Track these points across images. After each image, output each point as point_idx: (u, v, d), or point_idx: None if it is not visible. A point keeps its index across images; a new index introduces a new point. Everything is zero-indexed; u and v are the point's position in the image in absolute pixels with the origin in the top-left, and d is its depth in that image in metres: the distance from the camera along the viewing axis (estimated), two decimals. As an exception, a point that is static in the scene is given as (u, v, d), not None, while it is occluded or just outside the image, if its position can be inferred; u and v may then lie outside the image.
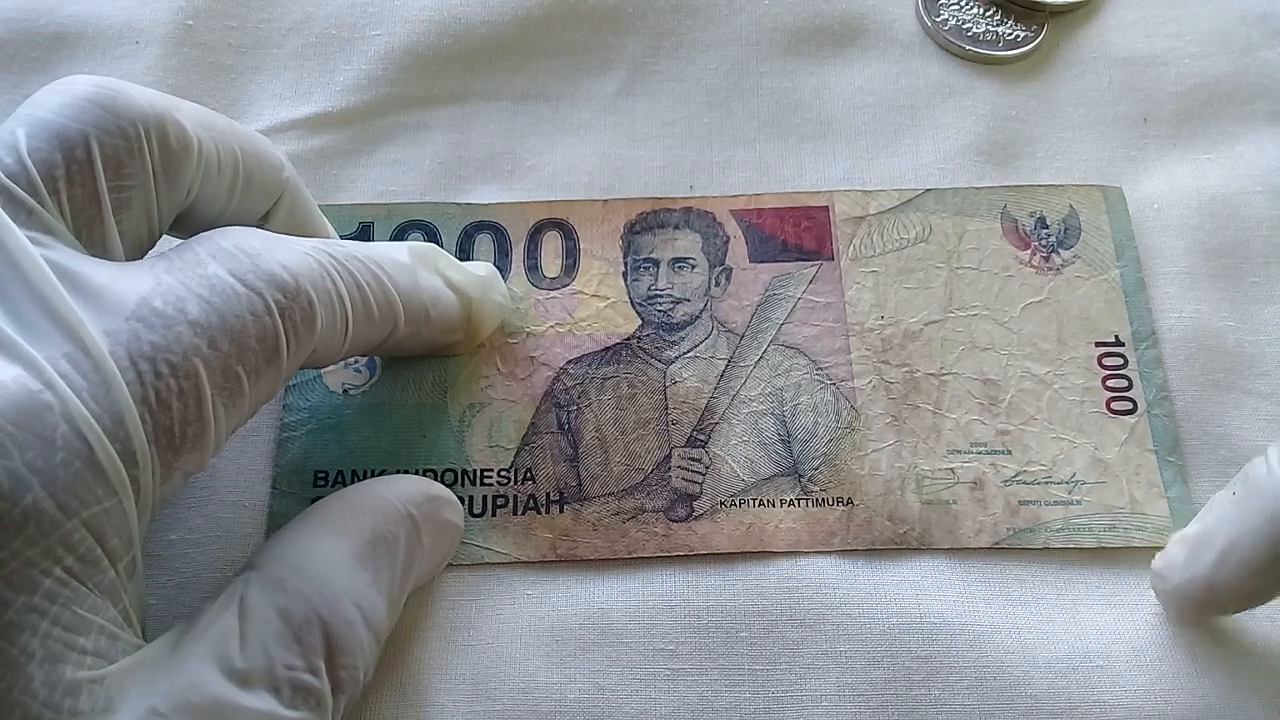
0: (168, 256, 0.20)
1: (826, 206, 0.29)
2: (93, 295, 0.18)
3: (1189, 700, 0.23)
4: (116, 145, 0.20)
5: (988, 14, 0.33)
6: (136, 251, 0.21)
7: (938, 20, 0.32)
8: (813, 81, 0.32)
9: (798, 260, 0.28)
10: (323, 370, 0.26)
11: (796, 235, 0.29)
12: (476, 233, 0.28)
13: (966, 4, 0.33)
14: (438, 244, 0.28)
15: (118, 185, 0.20)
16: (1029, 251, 0.28)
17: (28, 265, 0.18)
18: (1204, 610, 0.24)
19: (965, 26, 0.32)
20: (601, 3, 0.32)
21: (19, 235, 0.18)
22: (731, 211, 0.29)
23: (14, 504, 0.16)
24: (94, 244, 0.20)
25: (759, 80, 0.32)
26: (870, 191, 0.29)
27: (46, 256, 0.18)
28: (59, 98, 0.20)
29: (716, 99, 0.31)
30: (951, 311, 0.28)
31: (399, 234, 0.28)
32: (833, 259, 0.28)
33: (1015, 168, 0.30)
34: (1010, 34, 0.32)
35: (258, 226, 0.23)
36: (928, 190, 0.29)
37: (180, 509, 0.25)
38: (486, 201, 0.29)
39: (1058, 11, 0.33)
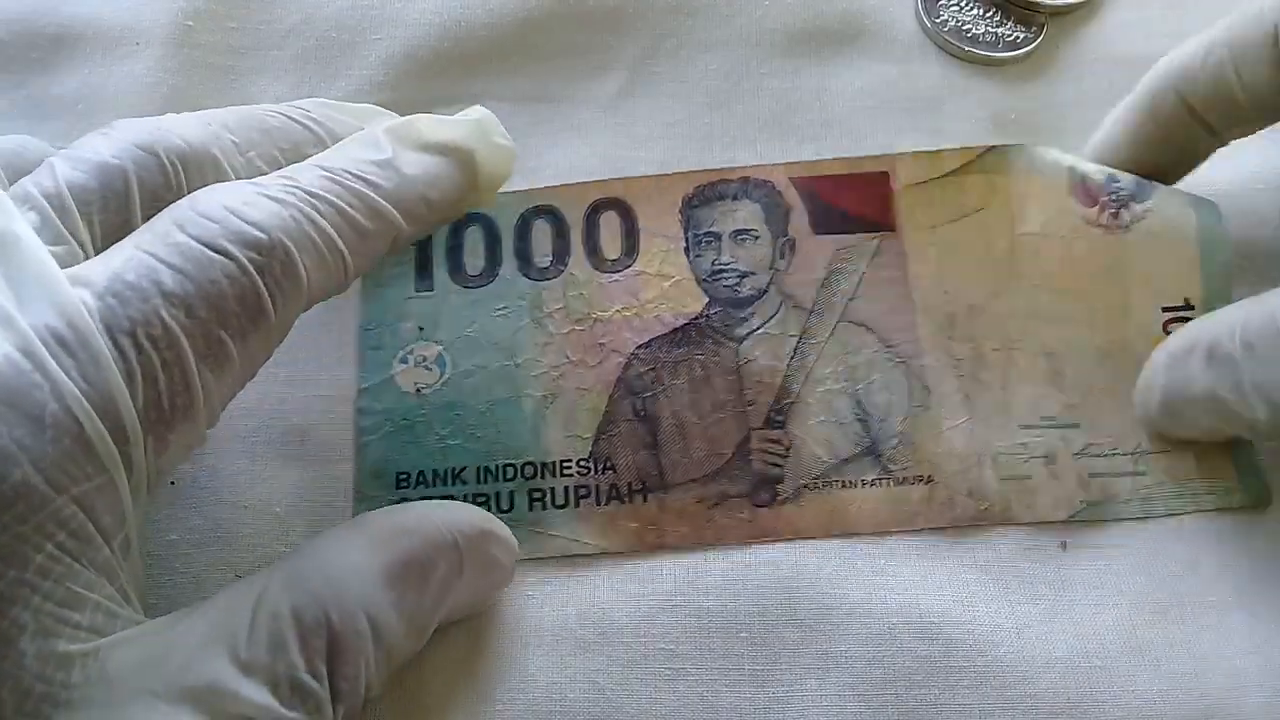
0: (139, 231, 0.20)
1: (887, 172, 0.28)
2: (74, 276, 0.18)
3: (1189, 700, 0.23)
4: (156, 181, 0.20)
5: (987, 15, 0.33)
6: None
7: (937, 21, 0.32)
8: (813, 83, 0.32)
9: (860, 231, 0.28)
10: (394, 371, 0.26)
11: (858, 205, 0.28)
12: (533, 219, 0.28)
13: (966, 5, 0.33)
14: (495, 236, 0.28)
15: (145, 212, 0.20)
16: (1097, 208, 0.27)
17: (26, 239, 0.18)
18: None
19: (965, 28, 0.32)
20: (602, 4, 0.32)
21: (19, 216, 0.18)
22: (790, 180, 0.28)
23: (2, 479, 0.16)
24: None
25: (759, 81, 0.32)
26: (932, 153, 0.28)
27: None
28: (102, 135, 0.21)
29: (717, 100, 0.31)
30: (1014, 283, 0.27)
31: (454, 230, 0.28)
32: (894, 230, 0.28)
33: (1015, 168, 0.30)
34: (1010, 35, 0.32)
35: None
36: (992, 148, 0.28)
37: (180, 509, 0.25)
38: (540, 186, 0.28)
39: (1057, 12, 0.33)
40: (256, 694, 0.18)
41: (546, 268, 0.28)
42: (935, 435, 0.26)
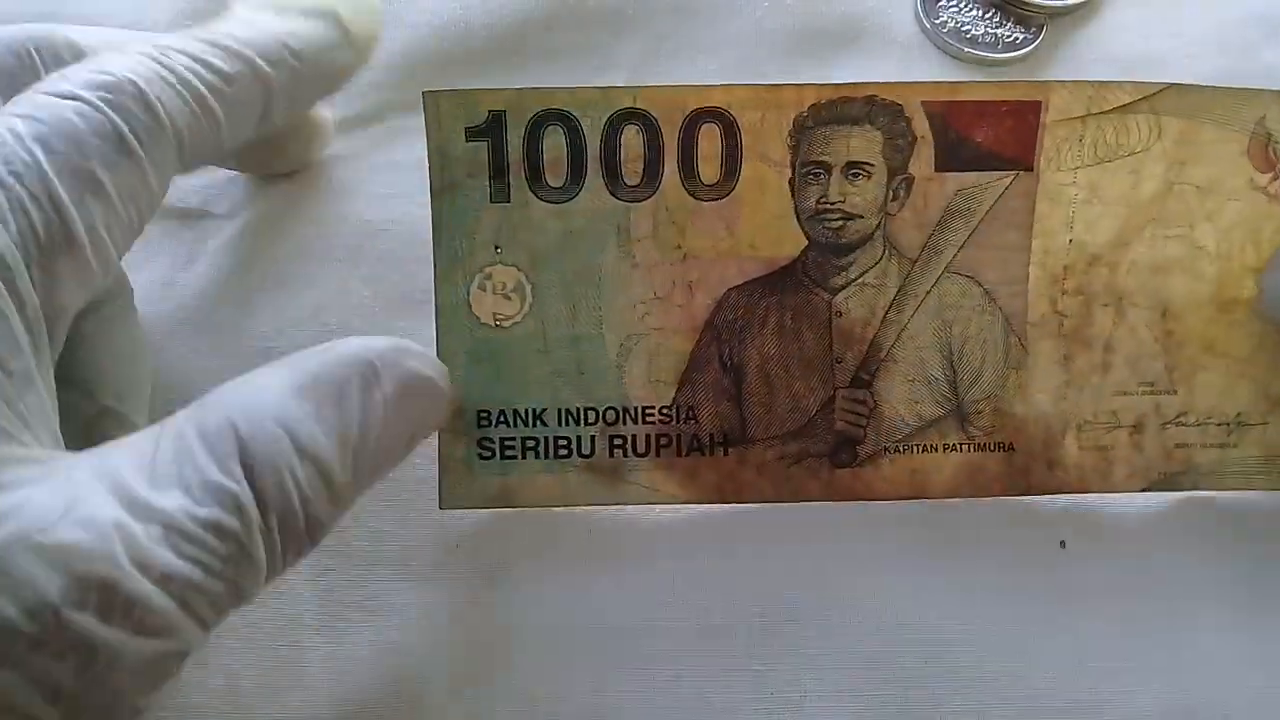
0: None
1: (1039, 102, 0.24)
2: None
3: (1188, 700, 0.23)
4: (9, 63, 0.21)
5: (987, 16, 0.33)
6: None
7: (937, 22, 0.32)
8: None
9: (992, 169, 0.25)
10: (470, 297, 0.25)
11: (996, 138, 0.25)
12: (624, 124, 0.25)
13: (966, 6, 0.33)
14: (579, 140, 0.25)
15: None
16: (1270, 175, 0.25)
17: None
18: None
19: (964, 28, 0.32)
20: (602, 4, 0.32)
21: None
22: (923, 104, 0.24)
23: None
24: None
25: (758, 82, 0.32)
26: (1099, 83, 0.25)
27: None
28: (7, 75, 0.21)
29: (716, 101, 0.31)
30: (1149, 233, 0.25)
31: (534, 127, 0.25)
32: (1032, 169, 0.25)
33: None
34: (1010, 36, 0.32)
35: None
36: (1171, 85, 0.24)
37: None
38: (634, 85, 0.26)
39: (1057, 13, 0.33)
40: (166, 497, 0.17)
41: (636, 186, 0.25)
42: (1024, 399, 0.25)
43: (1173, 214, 0.25)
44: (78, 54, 0.22)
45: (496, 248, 0.25)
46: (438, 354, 0.25)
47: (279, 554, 0.18)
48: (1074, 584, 0.25)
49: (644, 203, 0.25)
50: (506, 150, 0.25)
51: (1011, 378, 0.25)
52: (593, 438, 0.25)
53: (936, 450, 0.25)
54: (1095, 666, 0.23)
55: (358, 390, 0.20)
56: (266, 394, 0.19)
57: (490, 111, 0.25)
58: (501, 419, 0.25)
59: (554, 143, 0.25)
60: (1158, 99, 0.25)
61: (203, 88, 0.21)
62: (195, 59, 0.21)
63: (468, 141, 0.25)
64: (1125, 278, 0.25)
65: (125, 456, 0.18)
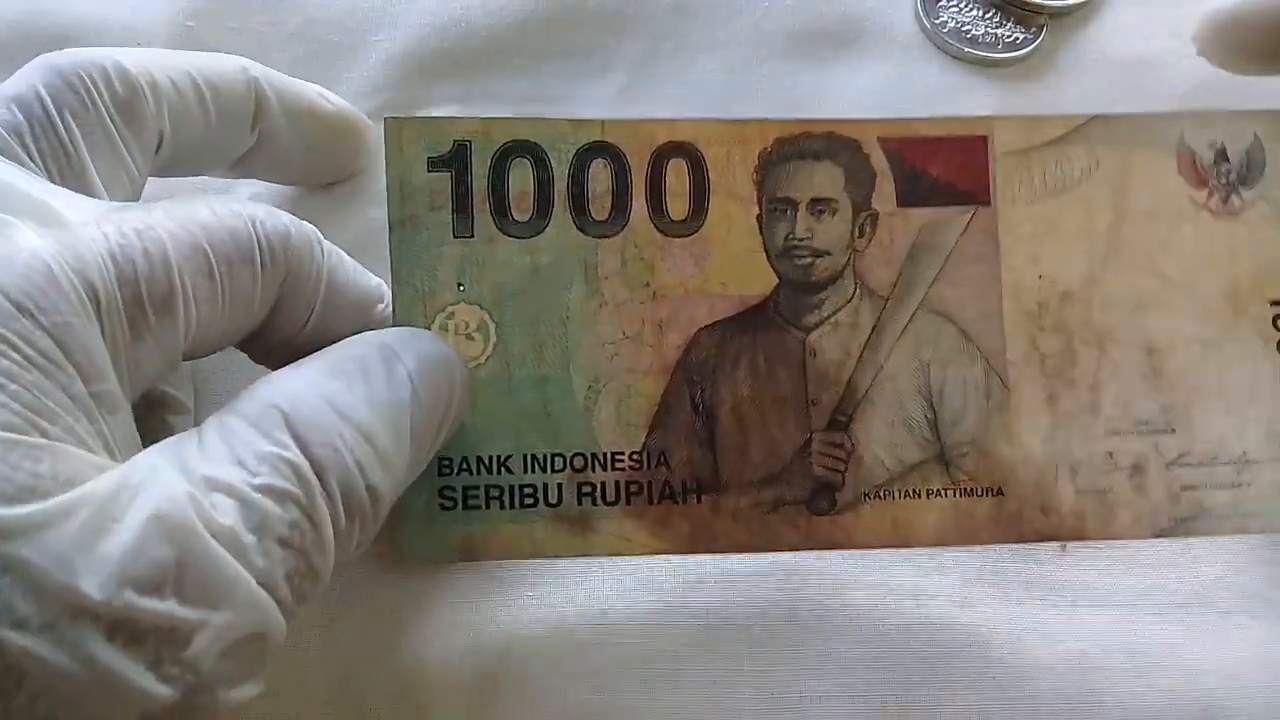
0: None
1: (985, 137, 0.25)
2: (64, 196, 0.19)
3: (1189, 700, 0.23)
4: (68, 98, 0.21)
5: (987, 16, 0.33)
6: (123, 198, 0.22)
7: (937, 22, 0.32)
8: (812, 84, 0.32)
9: (951, 204, 0.25)
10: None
11: (951, 171, 0.25)
12: (591, 158, 0.25)
13: (966, 6, 0.33)
14: (547, 173, 0.24)
15: (79, 135, 0.21)
16: (1206, 191, 0.25)
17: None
18: (1219, 42, 0.27)
19: (964, 28, 0.32)
20: (601, 5, 0.32)
21: None
22: (879, 140, 0.25)
23: None
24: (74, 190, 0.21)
25: (759, 82, 0.32)
26: (1033, 117, 0.26)
27: (21, 177, 0.19)
28: (10, 80, 0.21)
29: (716, 101, 0.31)
30: (1115, 265, 0.25)
31: (499, 159, 0.24)
32: (989, 204, 0.25)
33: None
34: (1009, 36, 0.32)
35: (250, 134, 0.25)
36: (1095, 116, 0.26)
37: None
38: (601, 117, 0.25)
39: (1057, 13, 0.33)
40: (225, 472, 0.17)
41: (604, 221, 0.25)
42: (1010, 440, 0.24)
43: (1132, 244, 0.25)
44: (127, 81, 0.22)
45: (459, 285, 0.24)
46: None
47: (343, 526, 0.18)
48: (1074, 584, 0.25)
49: (612, 239, 0.24)
50: (471, 182, 0.24)
51: (996, 419, 0.24)
52: (560, 485, 0.24)
53: (920, 496, 0.24)
54: (1095, 666, 0.23)
55: (381, 366, 0.20)
56: (300, 378, 0.19)
57: (455, 141, 0.24)
58: (464, 466, 0.24)
59: (521, 175, 0.24)
60: (1087, 129, 0.25)
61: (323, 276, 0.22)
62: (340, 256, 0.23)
63: (429, 171, 0.24)
64: (1101, 315, 0.25)
65: (182, 450, 0.18)
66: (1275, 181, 0.25)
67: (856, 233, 0.25)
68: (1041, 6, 0.32)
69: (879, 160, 0.25)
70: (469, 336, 0.24)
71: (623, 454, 0.24)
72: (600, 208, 0.25)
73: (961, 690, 0.23)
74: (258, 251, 0.20)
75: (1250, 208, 0.25)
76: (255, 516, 0.17)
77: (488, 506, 0.23)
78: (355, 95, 0.31)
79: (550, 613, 0.24)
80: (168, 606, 0.16)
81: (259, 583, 0.17)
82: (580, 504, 0.24)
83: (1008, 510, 0.24)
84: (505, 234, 0.24)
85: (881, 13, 0.33)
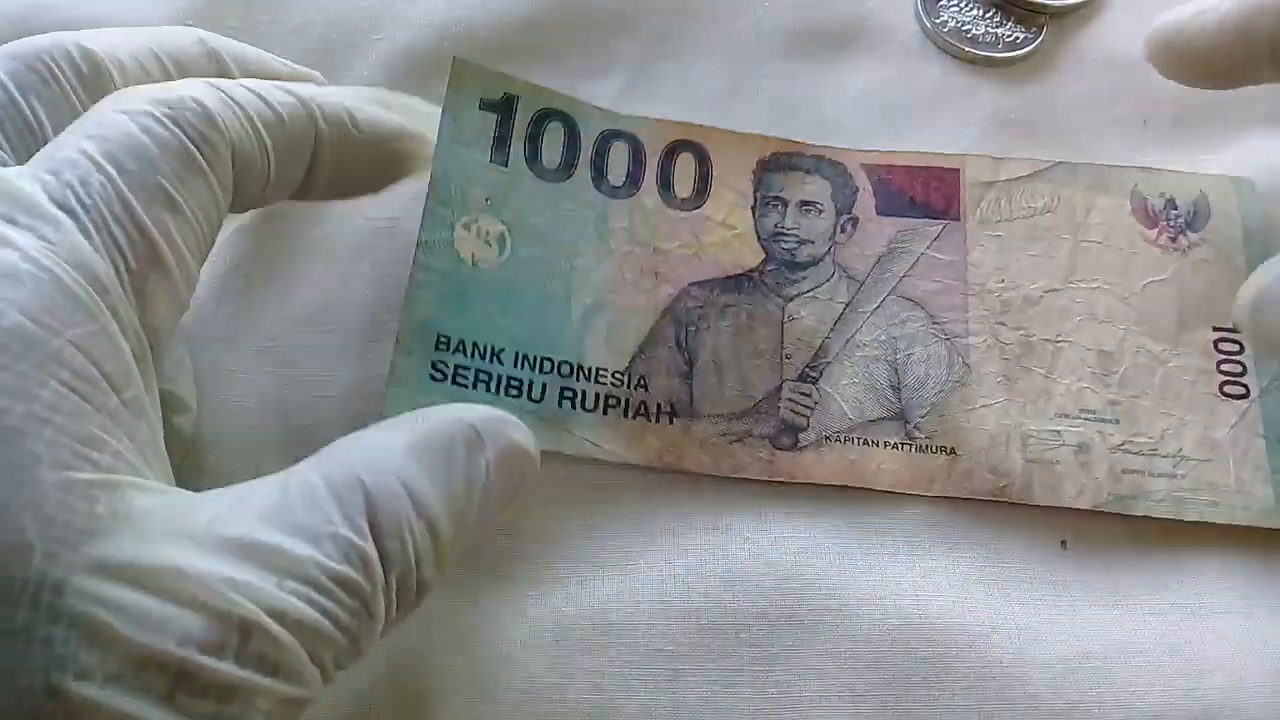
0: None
1: (957, 169, 0.29)
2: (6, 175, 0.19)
3: (1189, 700, 0.23)
4: (30, 79, 0.21)
5: (987, 15, 0.33)
6: None
7: (937, 22, 0.32)
8: (812, 83, 0.32)
9: (925, 217, 0.29)
10: (455, 236, 0.26)
11: (925, 193, 0.29)
12: (613, 139, 0.29)
13: (966, 5, 0.33)
14: (575, 139, 0.28)
15: (43, 113, 0.21)
16: (1156, 230, 0.28)
17: None
18: (1165, 54, 0.28)
19: (965, 28, 0.32)
20: (602, 5, 0.32)
21: None
22: (863, 165, 0.29)
23: None
24: None
25: (759, 82, 0.32)
26: (1001, 159, 0.29)
27: None
28: None
29: (717, 101, 0.31)
30: (1073, 282, 0.28)
31: (540, 118, 0.28)
32: (959, 220, 0.28)
33: (1015, 169, 0.30)
34: (1010, 36, 0.32)
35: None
36: (1059, 163, 0.29)
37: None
38: (627, 112, 0.29)
39: (1057, 13, 0.33)
40: (299, 546, 0.17)
41: (619, 187, 0.28)
42: (967, 411, 0.26)
43: (1089, 266, 0.28)
44: (91, 60, 0.22)
45: (487, 199, 0.27)
46: (410, 284, 0.26)
47: (393, 613, 0.19)
48: (1074, 584, 0.25)
49: (623, 201, 0.28)
50: (513, 127, 0.28)
51: (956, 391, 0.27)
52: (545, 385, 0.26)
53: (879, 446, 0.26)
54: (1095, 666, 0.23)
55: (464, 453, 0.20)
56: (387, 451, 0.20)
57: (505, 92, 0.28)
58: (459, 347, 0.25)
59: (554, 135, 0.28)
60: (1050, 172, 0.29)
61: (256, 118, 0.21)
62: (254, 92, 0.22)
63: (480, 109, 0.27)
64: (1059, 319, 0.27)
65: (256, 503, 0.18)
66: (1218, 228, 0.29)
67: (839, 229, 0.28)
68: (1041, 6, 0.32)
69: (862, 180, 0.29)
70: (487, 243, 0.27)
71: (606, 370, 0.26)
72: (617, 175, 0.28)
73: (961, 690, 0.23)
74: (194, 151, 0.20)
75: (1196, 247, 0.28)
76: (322, 602, 0.17)
77: (474, 388, 0.25)
78: (355, 95, 0.31)
79: (550, 613, 0.24)
80: (228, 667, 0.16)
81: (310, 659, 0.17)
82: (560, 406, 0.26)
83: (960, 467, 0.26)
84: (533, 173, 0.28)
85: (881, 13, 0.33)
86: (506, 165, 0.27)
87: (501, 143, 0.28)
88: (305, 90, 0.23)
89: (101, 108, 0.20)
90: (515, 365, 0.26)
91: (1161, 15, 0.28)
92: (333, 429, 0.26)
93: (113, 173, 0.19)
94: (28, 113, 0.21)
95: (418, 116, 0.26)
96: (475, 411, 0.21)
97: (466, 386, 0.25)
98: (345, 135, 0.24)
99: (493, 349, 0.26)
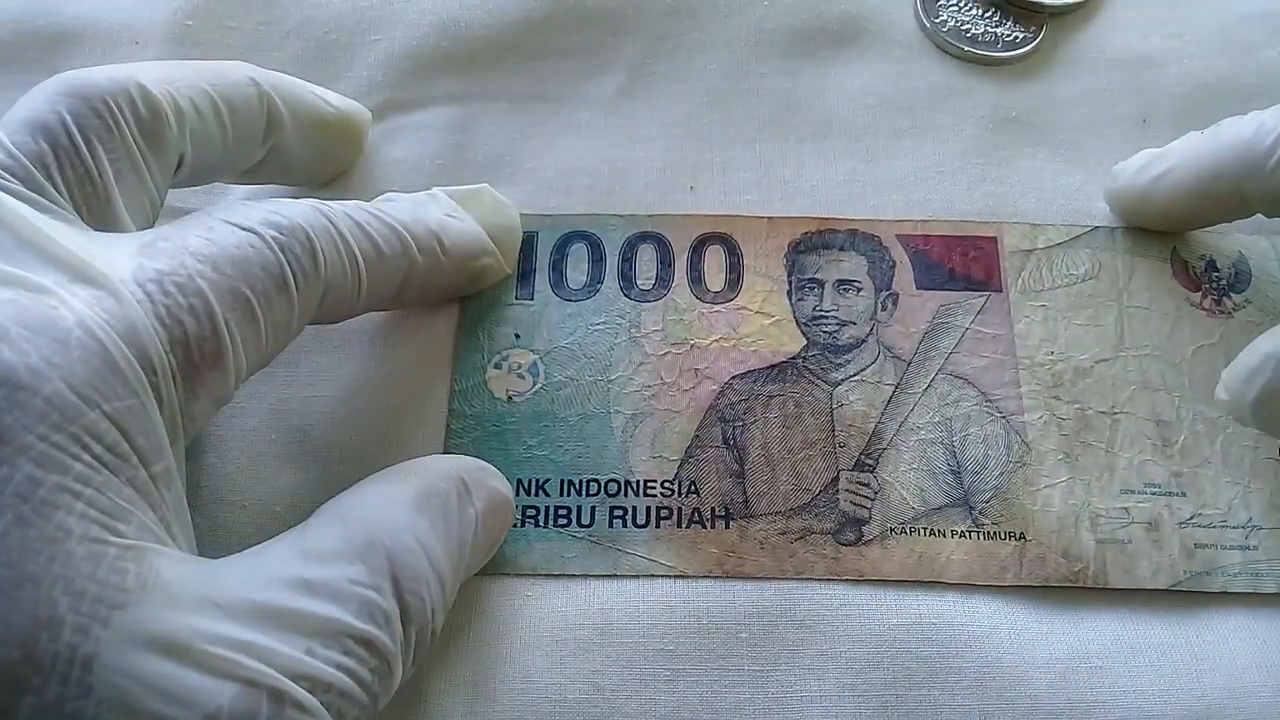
0: (170, 221, 0.21)
1: (995, 238, 0.29)
2: (97, 244, 0.19)
3: (1189, 700, 0.23)
4: (94, 124, 0.21)
5: (987, 15, 0.33)
6: (143, 222, 0.22)
7: (937, 21, 0.32)
8: (812, 83, 0.32)
9: (965, 290, 0.28)
10: (487, 376, 0.27)
11: (964, 265, 0.28)
12: (640, 243, 0.28)
13: (966, 5, 0.33)
14: (600, 254, 0.28)
15: (106, 163, 0.21)
16: (1199, 294, 0.28)
17: (18, 223, 0.19)
18: (1135, 216, 0.28)
19: (964, 27, 0.32)
20: (601, 4, 0.32)
21: (5, 198, 0.19)
22: (897, 236, 0.28)
23: (35, 392, 0.17)
24: (100, 221, 0.21)
25: (758, 81, 0.32)
26: (1038, 225, 0.29)
27: (50, 224, 0.19)
28: (28, 99, 0.21)
29: (716, 100, 0.31)
30: (1123, 350, 0.27)
31: (562, 244, 0.28)
32: (1001, 290, 0.28)
33: (1016, 168, 0.30)
34: (1009, 35, 0.32)
35: (261, 148, 0.25)
36: (1097, 228, 0.29)
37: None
38: (650, 213, 0.29)
39: (1057, 12, 0.33)
40: (324, 608, 0.18)
41: (649, 290, 0.28)
42: (1032, 492, 0.25)
43: (1137, 333, 0.27)
44: (150, 105, 0.22)
45: (517, 335, 0.27)
46: (448, 432, 0.26)
47: (409, 666, 0.20)
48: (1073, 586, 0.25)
49: (655, 303, 0.28)
50: (534, 258, 0.28)
51: (1018, 472, 0.26)
52: (593, 508, 0.25)
53: (945, 535, 0.25)
54: (1095, 666, 0.23)
55: (457, 506, 0.22)
56: (397, 509, 0.20)
57: (524, 232, 0.28)
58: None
59: (578, 254, 0.28)
60: (1088, 237, 0.29)
61: (359, 252, 0.22)
62: (358, 224, 0.23)
63: None
64: (1113, 390, 0.27)
65: (278, 567, 0.19)
66: (1260, 288, 0.28)
67: (879, 307, 0.28)
68: (1041, 6, 0.32)
69: (899, 253, 0.28)
70: (520, 375, 0.27)
71: (655, 482, 0.25)
72: (645, 279, 0.28)
73: (961, 690, 0.23)
74: (290, 277, 0.21)
75: (1241, 309, 0.28)
76: (348, 663, 0.18)
77: (523, 525, 0.25)
78: (354, 94, 0.31)
79: (550, 613, 0.24)
80: None
81: (335, 718, 0.18)
82: (611, 526, 0.25)
83: (1031, 553, 0.25)
84: (560, 297, 0.28)
85: (881, 12, 0.33)
86: (533, 299, 0.28)
87: (525, 279, 0.28)
88: (403, 215, 0.24)
89: (216, 215, 0.21)
90: (561, 494, 0.25)
91: (1116, 173, 0.28)
92: (331, 429, 0.26)
93: (208, 271, 0.19)
94: (90, 162, 0.21)
95: (493, 207, 0.27)
96: (461, 463, 0.23)
97: (516, 525, 0.25)
98: (435, 263, 0.25)
99: (536, 482, 0.25)
